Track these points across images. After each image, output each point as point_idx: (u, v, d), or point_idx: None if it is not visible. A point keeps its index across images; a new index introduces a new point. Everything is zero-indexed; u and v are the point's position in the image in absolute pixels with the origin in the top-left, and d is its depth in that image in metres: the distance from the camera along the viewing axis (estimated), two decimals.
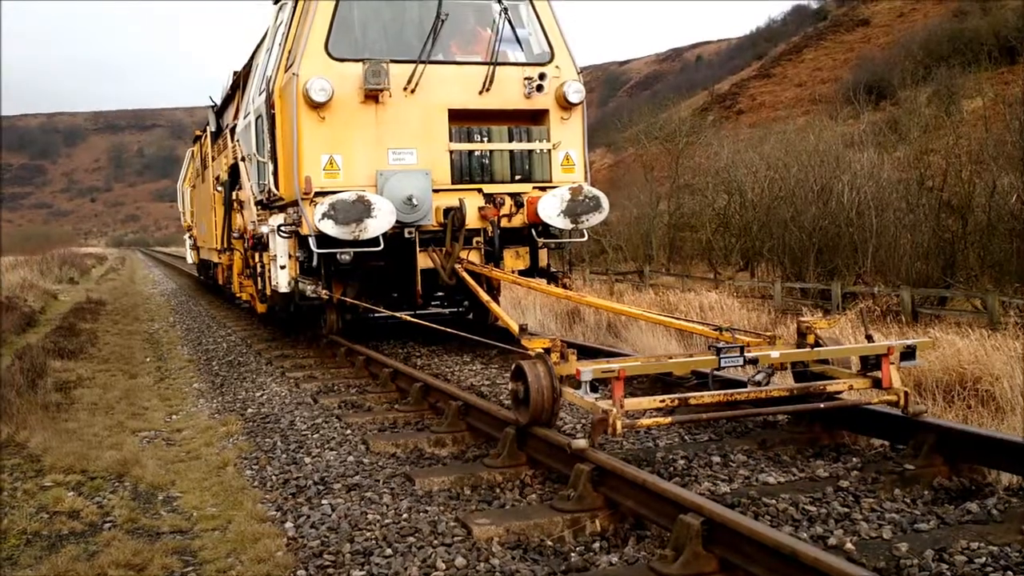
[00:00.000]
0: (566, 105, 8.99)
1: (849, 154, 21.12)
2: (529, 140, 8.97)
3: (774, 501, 4.12)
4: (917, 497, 4.18)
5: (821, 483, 4.41)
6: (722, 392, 4.89)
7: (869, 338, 5.23)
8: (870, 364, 5.00)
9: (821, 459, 4.88)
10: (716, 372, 5.22)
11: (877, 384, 4.92)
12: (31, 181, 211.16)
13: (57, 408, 7.27)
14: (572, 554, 3.77)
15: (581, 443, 4.34)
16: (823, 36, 63.08)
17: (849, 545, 3.53)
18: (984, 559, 3.40)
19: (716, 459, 4.92)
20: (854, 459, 4.81)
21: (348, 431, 6.06)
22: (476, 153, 8.79)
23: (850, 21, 62.58)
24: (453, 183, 8.67)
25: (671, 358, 5.29)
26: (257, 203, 9.95)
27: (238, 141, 11.33)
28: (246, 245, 11.07)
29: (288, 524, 4.25)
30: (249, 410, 7.05)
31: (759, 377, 5.10)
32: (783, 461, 4.92)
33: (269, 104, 8.91)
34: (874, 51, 50.37)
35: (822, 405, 4.91)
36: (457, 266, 8.38)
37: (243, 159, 10.81)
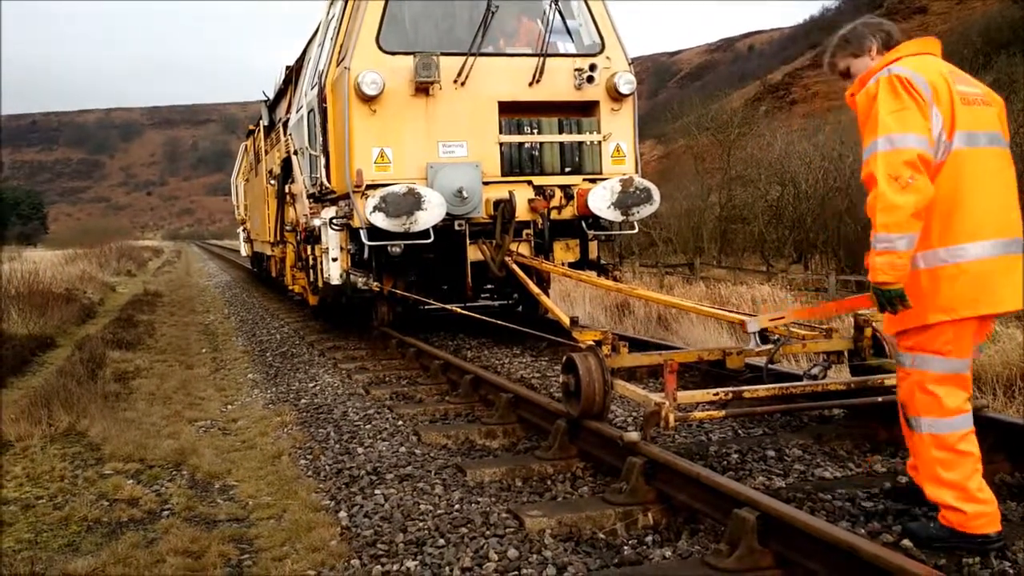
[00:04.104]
0: (617, 96, 8.94)
1: None
2: (579, 132, 8.93)
3: (830, 496, 4.06)
4: None
5: (879, 479, 4.33)
6: (777, 386, 4.83)
7: None
8: None
9: (879, 454, 4.80)
10: (771, 366, 5.16)
11: None
12: (90, 175, 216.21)
13: (116, 398, 7.41)
14: (625, 547, 3.75)
15: (633, 436, 4.31)
16: None
17: (908, 542, 3.46)
18: None
19: (771, 453, 4.86)
20: None
21: (400, 422, 6.10)
22: (526, 145, 8.78)
23: (907, 9, 61.30)
24: (503, 175, 8.67)
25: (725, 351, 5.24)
26: (309, 196, 10.05)
27: (290, 135, 11.46)
28: (298, 238, 11.20)
29: (342, 513, 4.29)
30: (303, 401, 7.13)
31: (815, 371, 5.03)
32: (839, 456, 4.84)
33: (321, 98, 8.99)
34: None
35: (880, 399, 4.81)
36: (507, 258, 8.38)
37: (295, 153, 10.93)
